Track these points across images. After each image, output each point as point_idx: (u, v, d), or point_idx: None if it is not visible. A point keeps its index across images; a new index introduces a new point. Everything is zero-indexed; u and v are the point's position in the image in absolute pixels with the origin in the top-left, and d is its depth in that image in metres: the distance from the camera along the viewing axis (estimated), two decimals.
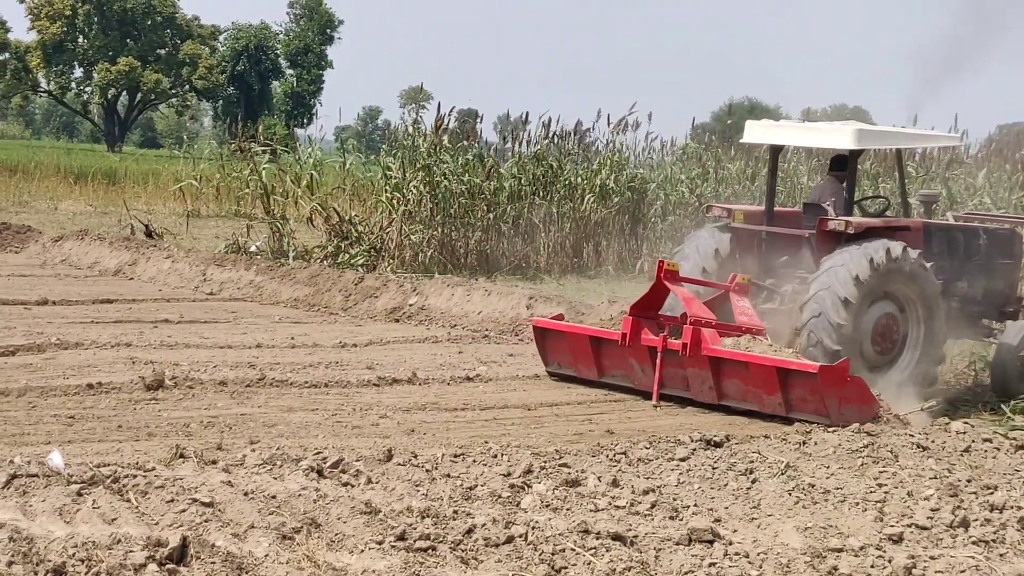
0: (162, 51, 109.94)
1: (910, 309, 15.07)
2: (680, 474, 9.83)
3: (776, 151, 17.00)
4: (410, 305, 20.42)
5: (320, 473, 8.90)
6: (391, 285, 21.20)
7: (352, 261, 25.70)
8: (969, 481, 10.10)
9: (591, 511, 8.72)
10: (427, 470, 9.32)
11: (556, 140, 29.94)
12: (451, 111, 28.72)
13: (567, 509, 8.74)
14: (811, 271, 15.33)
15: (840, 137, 16.05)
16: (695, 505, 9.08)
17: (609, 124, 30.58)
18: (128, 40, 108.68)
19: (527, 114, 30.47)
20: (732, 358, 14.04)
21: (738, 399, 14.19)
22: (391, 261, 26.09)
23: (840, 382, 13.45)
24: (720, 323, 14.54)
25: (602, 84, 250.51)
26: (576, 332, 15.64)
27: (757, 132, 16.98)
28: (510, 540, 7.91)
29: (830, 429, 11.88)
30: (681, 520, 8.65)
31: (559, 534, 8.05)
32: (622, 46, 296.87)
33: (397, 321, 19.96)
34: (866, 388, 13.60)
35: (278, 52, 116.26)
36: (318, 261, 25.54)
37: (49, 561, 6.93)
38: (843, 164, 16.46)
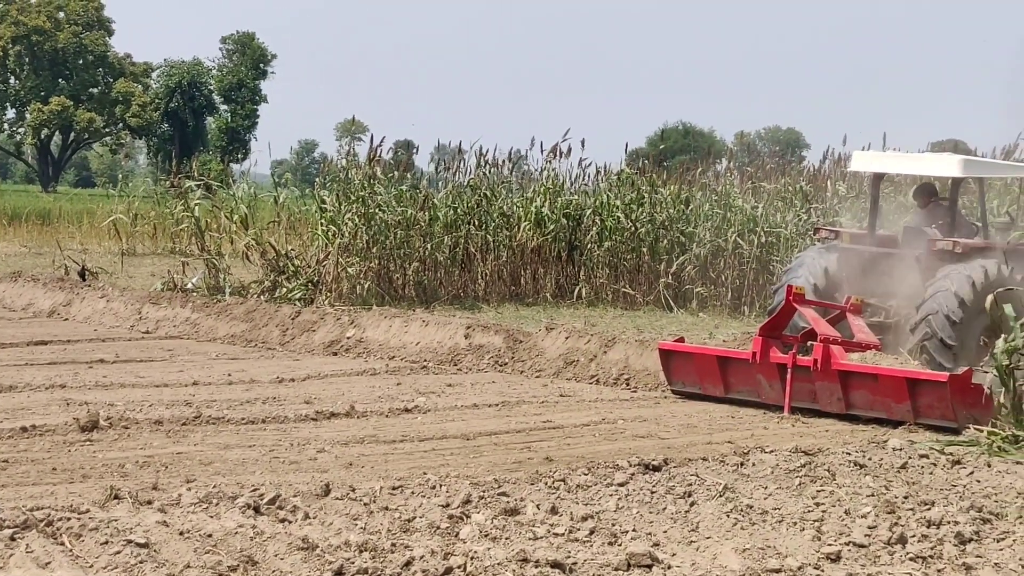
0: (95, 90, 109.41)
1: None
2: (619, 499, 9.81)
3: (879, 178, 18.78)
4: (348, 338, 20.37)
5: (257, 510, 8.83)
6: (328, 318, 21.13)
7: (290, 295, 25.55)
8: (906, 497, 10.14)
9: (530, 539, 8.68)
10: (365, 503, 9.27)
11: (490, 169, 29.97)
12: (382, 141, 28.68)
13: (506, 538, 8.70)
14: (913, 288, 17.18)
15: (946, 166, 17.96)
16: (634, 530, 9.06)
17: (543, 152, 30.66)
18: (60, 80, 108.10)
19: (460, 143, 30.53)
20: (862, 371, 15.53)
21: (865, 408, 15.61)
22: (329, 294, 25.95)
23: (965, 389, 14.75)
24: (845, 340, 16.06)
25: (539, 112, 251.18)
26: (703, 352, 16.98)
27: (865, 161, 18.91)
28: (448, 571, 7.87)
29: (768, 450, 11.92)
30: (620, 545, 8.63)
31: (498, 563, 8.01)
32: (559, 73, 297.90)
33: (335, 354, 19.90)
34: (985, 394, 14.72)
35: (211, 88, 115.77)
36: (255, 296, 25.40)
37: None
38: (932, 192, 18.47)
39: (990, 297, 14.61)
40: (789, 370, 15.95)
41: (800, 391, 15.98)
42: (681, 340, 17.52)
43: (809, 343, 16.09)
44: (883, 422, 15.34)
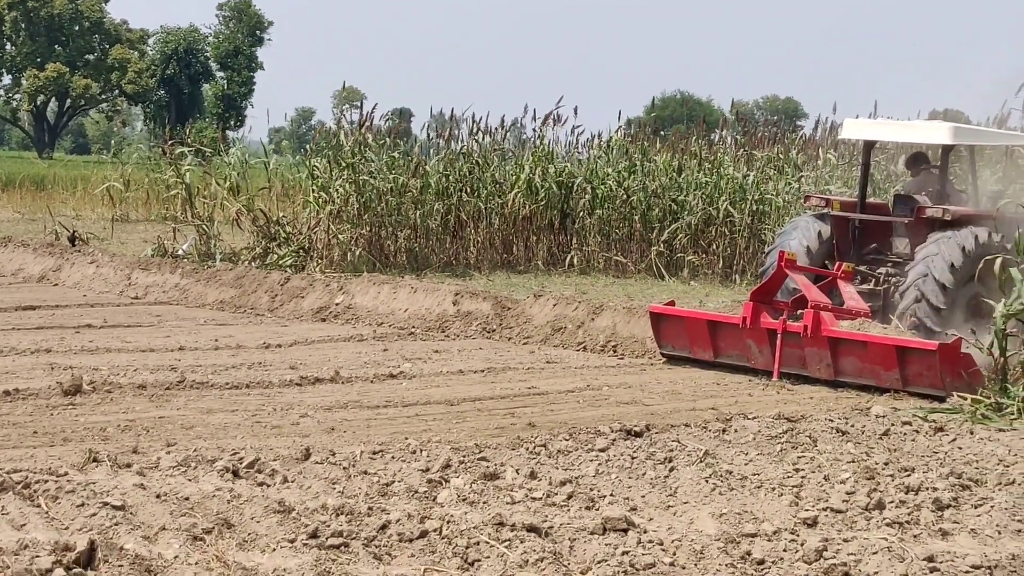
0: (91, 56, 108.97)
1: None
2: (599, 464, 9.83)
3: (870, 146, 18.71)
4: (336, 304, 20.34)
5: (235, 473, 8.84)
6: (317, 285, 21.10)
7: (280, 262, 25.53)
8: (886, 464, 10.17)
9: (507, 504, 8.70)
10: (344, 468, 9.28)
11: (483, 137, 29.90)
12: (374, 108, 28.60)
13: (483, 502, 8.72)
14: (902, 255, 17.45)
15: (936, 133, 18.06)
16: (611, 495, 9.07)
17: (535, 119, 30.60)
18: (56, 46, 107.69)
19: (452, 111, 30.42)
20: (851, 338, 15.46)
21: (854, 375, 15.54)
22: (319, 261, 25.95)
23: (955, 358, 14.66)
24: (835, 307, 16.02)
25: (536, 81, 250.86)
26: (694, 316, 17.02)
27: (856, 129, 18.96)
28: (424, 535, 7.88)
29: (751, 416, 11.94)
30: (597, 510, 8.64)
31: (474, 527, 8.03)
32: (557, 43, 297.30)
33: (323, 321, 19.87)
34: (974, 363, 14.71)
35: (208, 55, 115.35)
36: (246, 263, 25.38)
37: None
38: (923, 160, 18.73)
39: (999, 260, 14.66)
40: (779, 336, 15.95)
41: (789, 356, 15.95)
42: (672, 304, 17.50)
43: (799, 311, 16.09)
44: (869, 389, 15.34)
